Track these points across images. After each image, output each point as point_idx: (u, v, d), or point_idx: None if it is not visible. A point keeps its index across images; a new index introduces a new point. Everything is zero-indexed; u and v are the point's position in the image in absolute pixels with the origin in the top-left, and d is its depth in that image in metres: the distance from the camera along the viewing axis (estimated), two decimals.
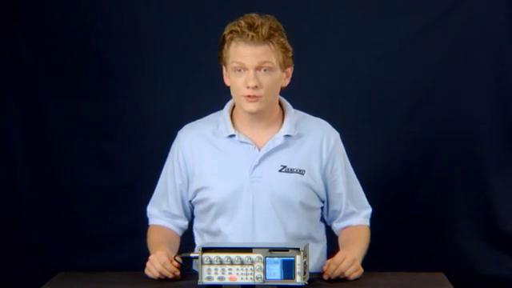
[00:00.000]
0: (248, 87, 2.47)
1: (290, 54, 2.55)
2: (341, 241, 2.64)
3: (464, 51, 3.63)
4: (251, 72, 2.47)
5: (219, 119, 2.62)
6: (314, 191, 2.59)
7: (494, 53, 3.63)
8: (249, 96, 2.48)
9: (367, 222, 2.68)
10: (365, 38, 3.62)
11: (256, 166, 2.55)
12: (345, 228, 2.66)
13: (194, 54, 3.59)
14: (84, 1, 3.71)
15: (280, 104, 2.62)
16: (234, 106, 2.62)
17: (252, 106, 2.50)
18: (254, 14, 2.51)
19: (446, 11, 3.63)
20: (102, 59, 3.68)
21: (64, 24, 3.68)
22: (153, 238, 2.63)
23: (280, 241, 2.53)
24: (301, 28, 3.52)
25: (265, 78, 2.49)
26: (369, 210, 2.70)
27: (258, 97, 2.48)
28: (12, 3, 3.67)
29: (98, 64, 3.68)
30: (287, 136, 2.57)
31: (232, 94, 2.56)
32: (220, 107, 2.65)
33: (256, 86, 2.47)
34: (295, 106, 2.65)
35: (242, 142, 2.57)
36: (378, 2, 3.65)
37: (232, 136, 2.58)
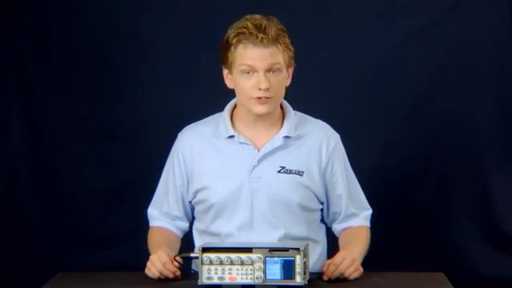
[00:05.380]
0: (260, 89, 2.46)
1: (292, 55, 2.55)
2: (341, 242, 2.64)
3: (464, 51, 3.63)
4: (262, 74, 2.46)
5: (219, 120, 2.61)
6: (313, 192, 2.59)
7: (494, 53, 3.63)
8: (260, 98, 2.48)
9: (367, 223, 2.68)
10: (364, 37, 3.62)
11: (255, 167, 2.55)
12: (345, 229, 2.66)
13: (195, 54, 3.59)
14: (84, 1, 3.71)
15: (280, 106, 2.61)
16: (234, 107, 2.62)
17: (262, 108, 2.49)
18: (257, 16, 2.50)
19: (446, 11, 3.63)
20: (103, 59, 3.68)
21: (64, 24, 3.67)
22: (153, 239, 2.63)
23: (278, 242, 2.52)
24: (300, 28, 3.49)
25: (274, 79, 2.48)
26: (369, 212, 2.69)
27: (269, 98, 2.48)
28: (12, 3, 3.67)
29: (99, 64, 3.68)
30: (286, 137, 2.57)
31: (239, 96, 2.55)
32: (221, 107, 2.64)
33: (268, 88, 2.47)
34: (295, 107, 2.65)
35: (241, 143, 2.56)
36: (377, 1, 3.65)
37: (231, 137, 2.57)
